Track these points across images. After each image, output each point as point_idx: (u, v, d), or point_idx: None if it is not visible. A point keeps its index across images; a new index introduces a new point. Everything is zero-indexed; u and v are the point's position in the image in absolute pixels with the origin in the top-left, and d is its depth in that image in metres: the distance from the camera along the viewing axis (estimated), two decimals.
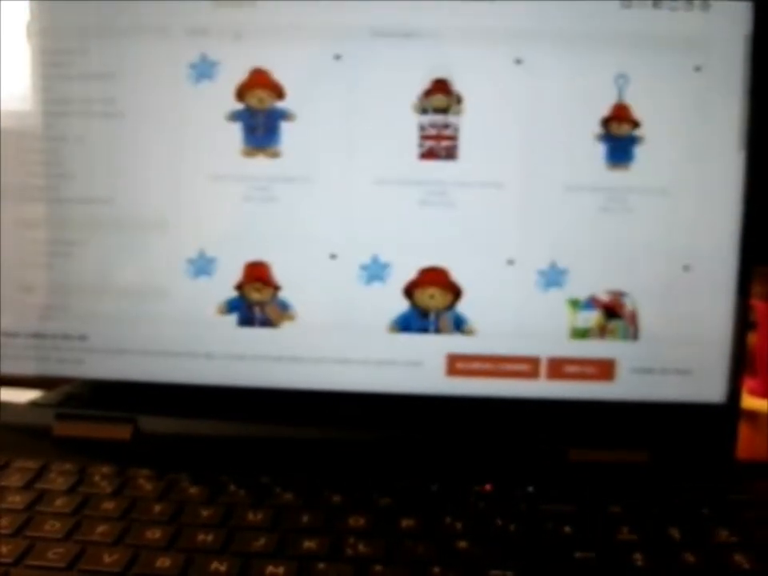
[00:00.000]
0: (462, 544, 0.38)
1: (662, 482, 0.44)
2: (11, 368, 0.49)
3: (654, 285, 0.46)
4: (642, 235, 0.46)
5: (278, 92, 0.46)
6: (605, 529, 0.40)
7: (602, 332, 0.46)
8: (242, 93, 0.46)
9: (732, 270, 0.46)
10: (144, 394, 0.48)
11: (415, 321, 0.46)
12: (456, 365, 0.47)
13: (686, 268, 0.46)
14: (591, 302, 0.46)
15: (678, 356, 0.46)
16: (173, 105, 0.46)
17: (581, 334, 0.46)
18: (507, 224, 0.46)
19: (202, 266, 0.47)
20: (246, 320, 0.47)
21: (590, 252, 0.46)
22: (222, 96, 0.46)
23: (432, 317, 0.46)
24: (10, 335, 0.49)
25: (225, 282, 0.47)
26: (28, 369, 0.49)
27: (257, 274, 0.47)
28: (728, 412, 0.47)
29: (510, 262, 0.46)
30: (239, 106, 0.46)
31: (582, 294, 0.46)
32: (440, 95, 0.45)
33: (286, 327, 0.47)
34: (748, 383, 0.55)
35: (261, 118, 0.46)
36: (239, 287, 0.47)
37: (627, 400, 0.47)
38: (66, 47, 0.46)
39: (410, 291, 0.46)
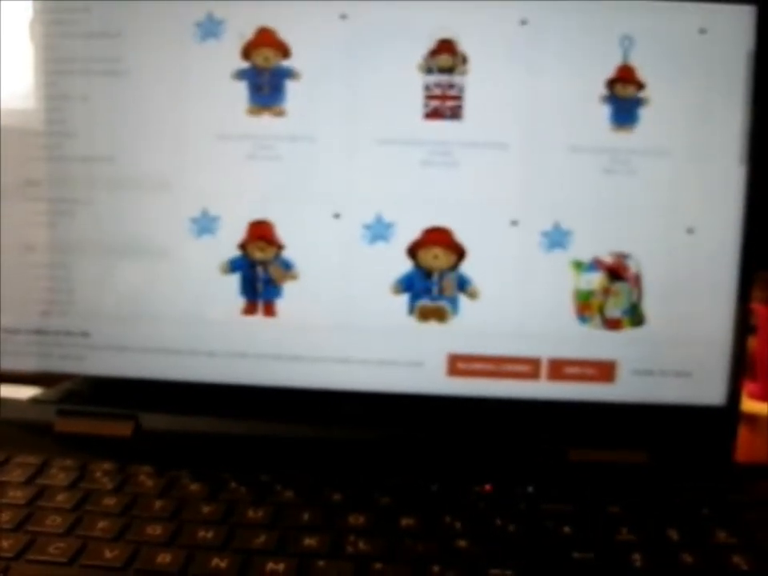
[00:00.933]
0: (462, 543, 0.38)
1: (662, 484, 0.44)
2: (13, 364, 0.49)
3: (657, 247, 0.46)
4: (645, 197, 0.46)
5: (284, 51, 0.46)
6: (604, 529, 0.40)
7: (605, 294, 0.46)
8: (247, 51, 0.46)
9: (735, 234, 0.46)
10: (145, 391, 0.48)
11: (419, 281, 0.47)
12: (457, 365, 0.47)
13: (690, 230, 0.46)
14: (595, 264, 0.46)
15: (679, 358, 0.47)
16: (178, 63, 0.46)
17: (584, 296, 0.46)
18: (511, 185, 0.46)
19: (206, 224, 0.47)
20: (249, 279, 0.47)
21: (594, 213, 0.46)
22: (228, 55, 0.46)
23: (435, 277, 0.46)
24: (12, 331, 0.49)
25: (228, 241, 0.47)
26: (30, 365, 0.49)
27: (260, 233, 0.47)
28: (728, 414, 0.47)
29: (514, 223, 0.46)
30: (245, 64, 0.46)
31: (586, 256, 0.46)
32: (445, 55, 0.45)
33: (289, 325, 0.47)
34: (748, 386, 0.55)
35: (266, 76, 0.46)
36: (242, 246, 0.47)
37: (627, 402, 0.47)
38: (70, 5, 0.46)
39: (413, 251, 0.47)
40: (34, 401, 0.49)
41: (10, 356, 0.49)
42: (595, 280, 0.46)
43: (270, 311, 0.47)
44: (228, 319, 0.47)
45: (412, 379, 0.47)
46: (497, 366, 0.47)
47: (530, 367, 0.47)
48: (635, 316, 0.46)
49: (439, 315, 0.47)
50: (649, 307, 0.46)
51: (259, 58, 0.46)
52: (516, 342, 0.47)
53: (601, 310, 0.46)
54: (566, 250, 0.46)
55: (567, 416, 0.47)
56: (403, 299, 0.47)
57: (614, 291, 0.46)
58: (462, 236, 0.46)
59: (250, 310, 0.47)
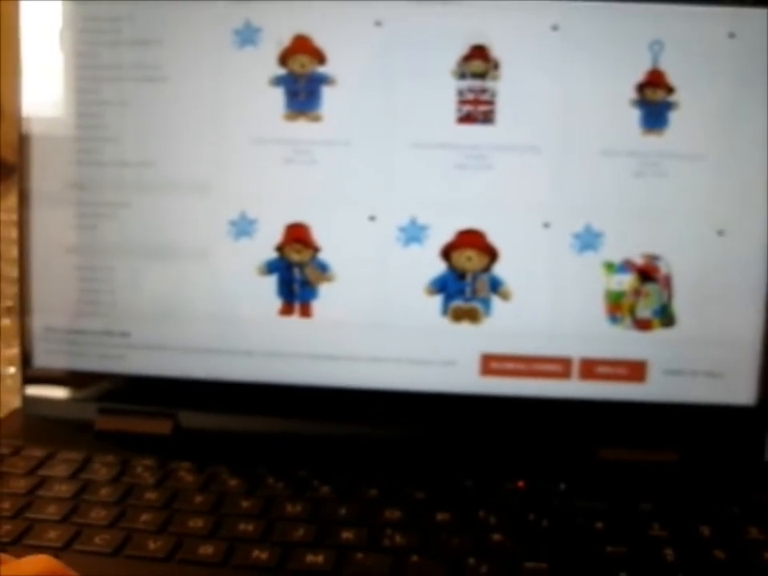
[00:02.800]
0: (497, 537, 0.39)
1: (692, 482, 0.44)
2: (55, 363, 0.50)
3: (688, 249, 0.47)
4: (676, 200, 0.46)
5: (320, 57, 0.47)
6: (636, 525, 0.40)
7: (636, 295, 0.46)
8: (284, 58, 0.47)
9: (765, 236, 0.46)
10: (184, 390, 0.49)
11: (452, 283, 0.47)
12: (490, 365, 0.48)
13: (721, 233, 0.46)
14: (626, 266, 0.47)
15: (709, 359, 0.47)
16: (216, 70, 0.48)
17: (615, 297, 0.47)
18: (543, 187, 0.47)
19: (244, 227, 0.48)
20: (286, 281, 0.48)
21: (625, 216, 0.47)
22: (265, 61, 0.47)
23: (469, 279, 0.47)
24: (55, 332, 0.50)
25: (265, 244, 0.48)
26: (72, 365, 0.50)
27: (297, 236, 0.48)
28: (758, 414, 0.47)
29: (546, 225, 0.47)
30: (282, 71, 0.47)
31: (617, 258, 0.47)
32: (478, 61, 0.46)
33: (325, 325, 0.48)
34: None
35: (303, 82, 0.47)
36: (279, 248, 0.48)
37: (658, 401, 0.47)
38: (113, 14, 0.48)
39: (447, 253, 0.47)
40: (75, 399, 0.50)
41: (52, 356, 0.50)
42: (626, 281, 0.47)
43: (306, 312, 0.48)
44: (265, 320, 0.48)
45: (445, 378, 0.48)
46: (529, 366, 0.47)
47: (561, 367, 0.47)
48: (666, 317, 0.47)
49: (472, 316, 0.48)
50: (679, 308, 0.47)
51: (296, 64, 0.47)
52: (548, 342, 0.47)
53: (632, 311, 0.47)
54: (597, 251, 0.47)
55: (598, 415, 0.47)
56: (437, 300, 0.48)
57: (644, 292, 0.47)
58: (494, 238, 0.47)
59: (286, 310, 0.48)
